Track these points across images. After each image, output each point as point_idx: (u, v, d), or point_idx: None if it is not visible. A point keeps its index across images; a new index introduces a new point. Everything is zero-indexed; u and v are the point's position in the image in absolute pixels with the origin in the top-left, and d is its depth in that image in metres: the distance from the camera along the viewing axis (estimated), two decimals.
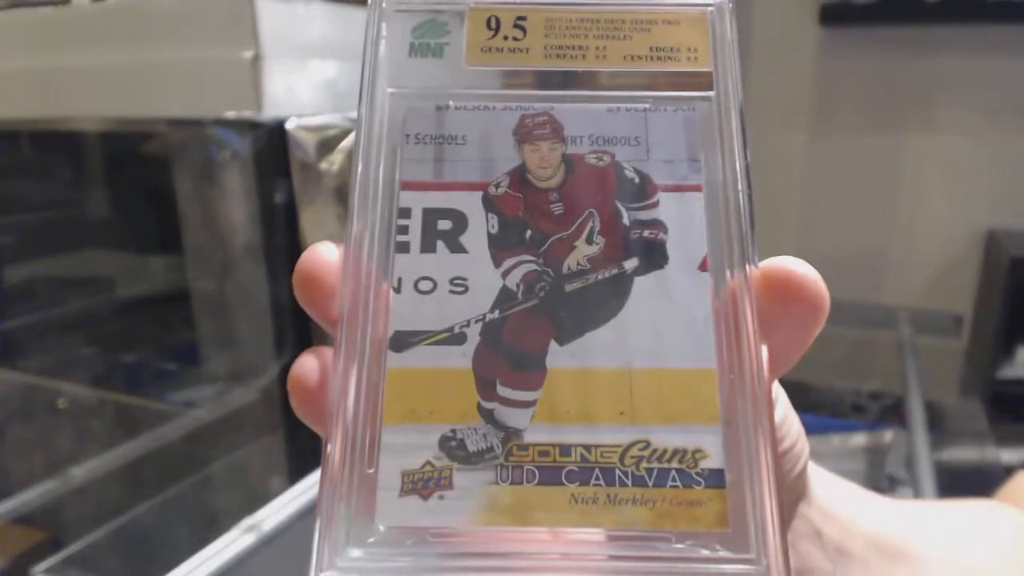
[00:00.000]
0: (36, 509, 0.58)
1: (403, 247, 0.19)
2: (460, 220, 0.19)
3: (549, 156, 0.20)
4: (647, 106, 0.20)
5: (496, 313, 0.18)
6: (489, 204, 0.19)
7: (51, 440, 0.73)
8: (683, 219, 0.19)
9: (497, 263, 0.19)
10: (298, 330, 0.69)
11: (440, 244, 0.19)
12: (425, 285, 0.18)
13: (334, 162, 0.63)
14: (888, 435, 0.97)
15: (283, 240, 0.67)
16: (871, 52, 1.90)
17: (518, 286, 0.19)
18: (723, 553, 0.16)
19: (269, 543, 0.52)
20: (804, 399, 1.19)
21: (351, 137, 0.56)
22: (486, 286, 0.18)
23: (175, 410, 0.72)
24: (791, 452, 0.21)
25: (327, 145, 0.63)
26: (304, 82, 0.64)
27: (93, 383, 0.81)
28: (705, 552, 0.16)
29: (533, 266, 0.19)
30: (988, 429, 1.01)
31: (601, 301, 0.18)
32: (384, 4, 0.20)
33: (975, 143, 1.85)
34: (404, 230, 0.19)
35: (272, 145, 0.64)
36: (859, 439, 0.98)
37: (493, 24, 0.20)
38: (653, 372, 0.18)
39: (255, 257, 0.66)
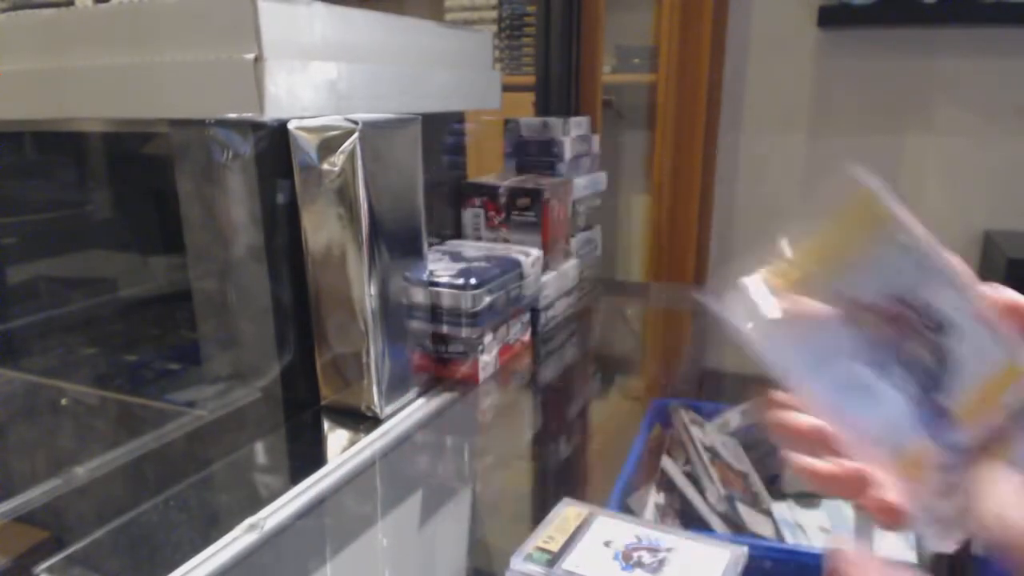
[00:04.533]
0: (38, 508, 0.58)
1: None
2: None
3: None
4: None
5: None
6: None
7: (53, 439, 0.73)
8: None
9: None
10: (299, 330, 0.69)
11: None
12: None
13: (335, 163, 0.64)
14: None
15: (285, 240, 0.67)
16: (869, 53, 1.90)
17: None
18: None
19: (270, 542, 0.53)
20: None
21: None
22: None
23: (177, 410, 0.72)
24: None
25: (328, 146, 0.64)
26: (306, 83, 0.65)
27: (95, 382, 0.81)
28: None
29: None
30: None
31: None
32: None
33: (972, 144, 1.86)
34: None
35: (274, 146, 0.65)
36: None
37: None
38: None
39: (257, 257, 0.66)
